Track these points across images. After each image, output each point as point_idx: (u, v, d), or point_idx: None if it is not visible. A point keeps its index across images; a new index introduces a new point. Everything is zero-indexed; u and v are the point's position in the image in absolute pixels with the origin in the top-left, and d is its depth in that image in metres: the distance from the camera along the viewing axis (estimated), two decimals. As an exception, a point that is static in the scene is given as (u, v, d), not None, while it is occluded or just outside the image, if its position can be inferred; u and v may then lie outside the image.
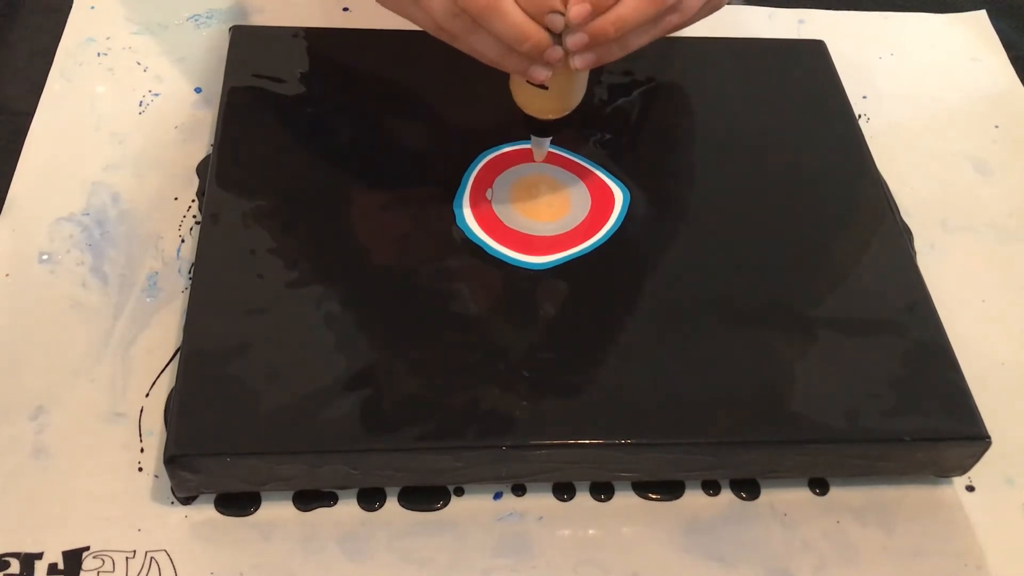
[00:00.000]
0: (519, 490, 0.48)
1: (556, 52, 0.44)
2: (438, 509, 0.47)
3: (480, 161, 0.56)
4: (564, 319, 0.50)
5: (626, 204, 0.55)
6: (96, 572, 0.44)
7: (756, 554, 0.47)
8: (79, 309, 0.52)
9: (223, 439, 0.44)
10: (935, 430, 0.48)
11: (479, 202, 0.54)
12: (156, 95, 0.61)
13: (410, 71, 0.59)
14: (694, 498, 0.48)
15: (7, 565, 0.44)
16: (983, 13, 0.73)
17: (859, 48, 0.70)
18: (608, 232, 0.53)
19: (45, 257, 0.53)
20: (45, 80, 0.61)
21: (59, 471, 0.46)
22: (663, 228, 0.54)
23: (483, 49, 0.45)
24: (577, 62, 0.45)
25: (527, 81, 0.47)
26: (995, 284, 0.58)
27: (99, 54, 0.63)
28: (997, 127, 0.66)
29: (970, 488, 0.50)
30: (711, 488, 0.49)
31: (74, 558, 0.44)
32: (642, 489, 0.48)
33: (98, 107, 0.60)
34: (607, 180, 0.56)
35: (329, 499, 0.47)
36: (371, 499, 0.47)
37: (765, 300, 0.51)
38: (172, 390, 0.48)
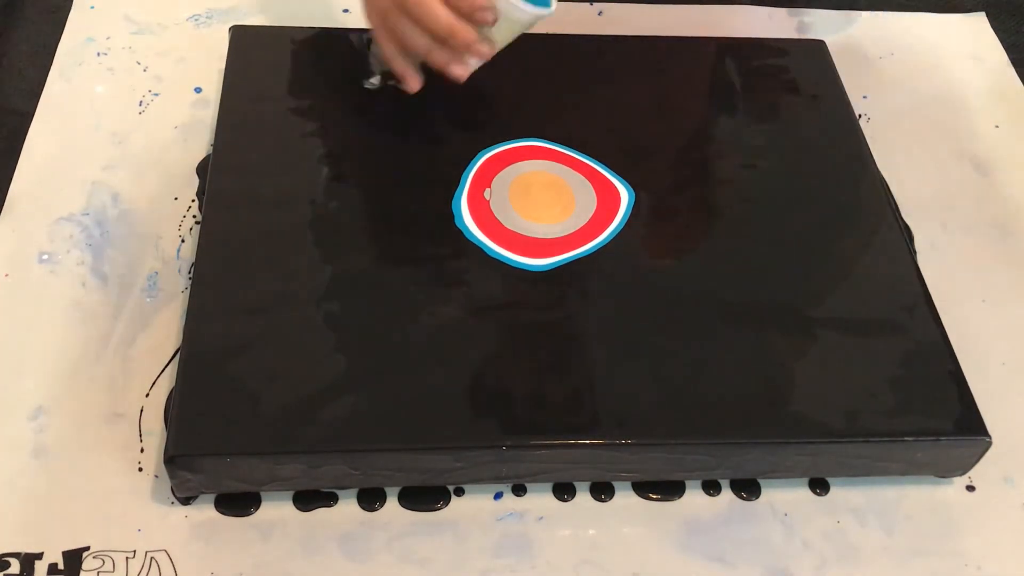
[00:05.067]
0: (519, 490, 0.48)
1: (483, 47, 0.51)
2: (438, 509, 0.47)
3: (479, 160, 0.56)
4: (564, 320, 0.50)
5: (631, 204, 0.55)
6: (96, 572, 0.44)
7: (756, 554, 0.47)
8: (79, 309, 0.52)
9: (223, 439, 0.44)
10: (935, 430, 0.48)
11: (478, 201, 0.54)
12: (156, 95, 0.61)
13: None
14: (694, 498, 0.48)
15: (7, 565, 0.44)
16: (983, 14, 0.73)
17: (859, 48, 0.70)
18: (611, 233, 0.53)
19: (45, 257, 0.53)
20: (45, 80, 0.61)
21: (59, 471, 0.46)
22: (662, 228, 0.54)
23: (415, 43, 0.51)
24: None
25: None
26: (995, 284, 0.58)
27: (99, 54, 0.63)
28: (997, 127, 0.66)
29: (970, 488, 0.50)
30: (711, 488, 0.49)
31: (74, 558, 0.44)
32: (642, 489, 0.48)
33: (98, 107, 0.60)
34: (613, 180, 0.56)
35: (329, 499, 0.47)
36: (371, 499, 0.47)
37: (766, 300, 0.51)
38: (172, 390, 0.48)
